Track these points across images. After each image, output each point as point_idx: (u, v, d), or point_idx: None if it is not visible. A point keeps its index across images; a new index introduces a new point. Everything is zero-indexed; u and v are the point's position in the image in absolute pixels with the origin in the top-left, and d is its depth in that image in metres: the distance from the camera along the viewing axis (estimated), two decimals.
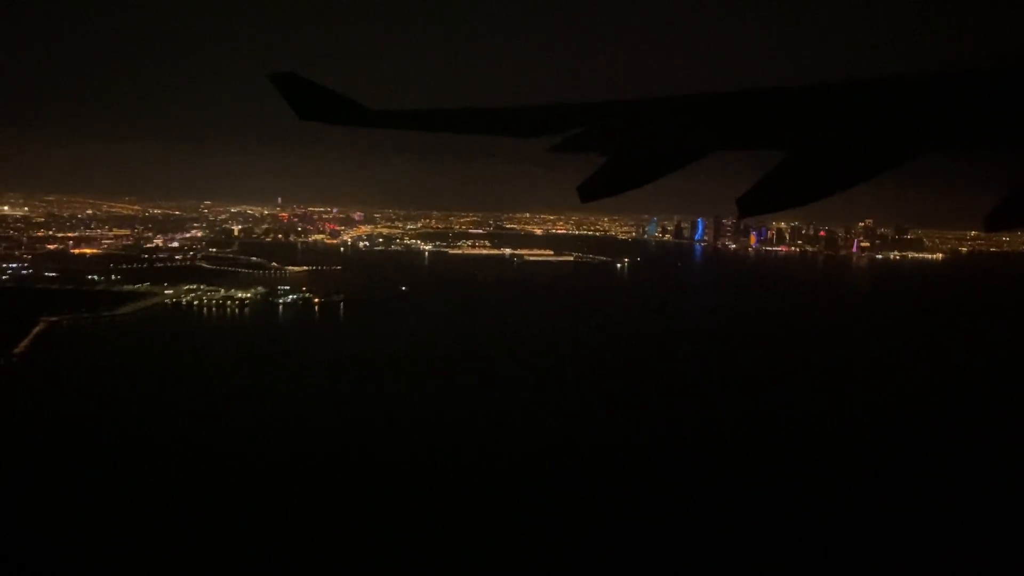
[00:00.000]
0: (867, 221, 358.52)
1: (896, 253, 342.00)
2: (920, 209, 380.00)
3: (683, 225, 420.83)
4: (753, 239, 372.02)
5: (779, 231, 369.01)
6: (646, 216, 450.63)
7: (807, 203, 4.87)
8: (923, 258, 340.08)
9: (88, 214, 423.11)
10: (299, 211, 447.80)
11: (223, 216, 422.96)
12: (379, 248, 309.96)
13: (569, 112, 5.26)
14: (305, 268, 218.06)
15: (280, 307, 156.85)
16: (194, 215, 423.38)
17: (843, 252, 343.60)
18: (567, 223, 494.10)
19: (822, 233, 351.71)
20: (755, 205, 4.83)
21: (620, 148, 5.73)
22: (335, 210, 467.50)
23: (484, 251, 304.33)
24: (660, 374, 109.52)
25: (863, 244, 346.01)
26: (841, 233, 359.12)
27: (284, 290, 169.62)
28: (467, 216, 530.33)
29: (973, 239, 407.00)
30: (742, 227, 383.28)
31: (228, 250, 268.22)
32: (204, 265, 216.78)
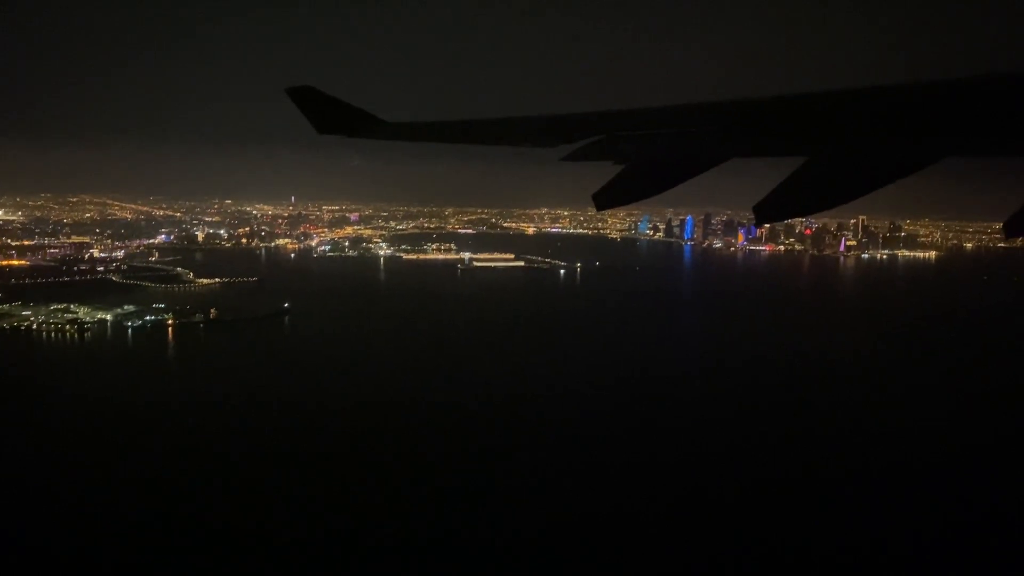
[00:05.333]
0: (861, 217, 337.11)
1: (883, 252, 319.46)
2: (924, 197, 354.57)
3: (674, 223, 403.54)
4: (741, 237, 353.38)
5: (771, 228, 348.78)
6: (658, 211, 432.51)
7: (825, 209, 4.89)
8: (914, 257, 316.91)
9: (87, 217, 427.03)
10: (291, 212, 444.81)
11: (214, 218, 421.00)
12: (335, 253, 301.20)
13: (583, 121, 5.30)
14: (217, 280, 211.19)
15: (129, 331, 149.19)
16: (183, 217, 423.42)
17: (828, 251, 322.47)
18: (573, 220, 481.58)
19: (807, 231, 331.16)
20: (773, 212, 4.82)
21: (636, 157, 5.66)
22: (325, 209, 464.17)
23: (440, 256, 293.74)
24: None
25: (849, 243, 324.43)
26: (833, 228, 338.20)
27: (157, 308, 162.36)
28: (474, 213, 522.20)
29: (983, 233, 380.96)
30: (735, 224, 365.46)
31: (167, 258, 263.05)
32: (114, 279, 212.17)
